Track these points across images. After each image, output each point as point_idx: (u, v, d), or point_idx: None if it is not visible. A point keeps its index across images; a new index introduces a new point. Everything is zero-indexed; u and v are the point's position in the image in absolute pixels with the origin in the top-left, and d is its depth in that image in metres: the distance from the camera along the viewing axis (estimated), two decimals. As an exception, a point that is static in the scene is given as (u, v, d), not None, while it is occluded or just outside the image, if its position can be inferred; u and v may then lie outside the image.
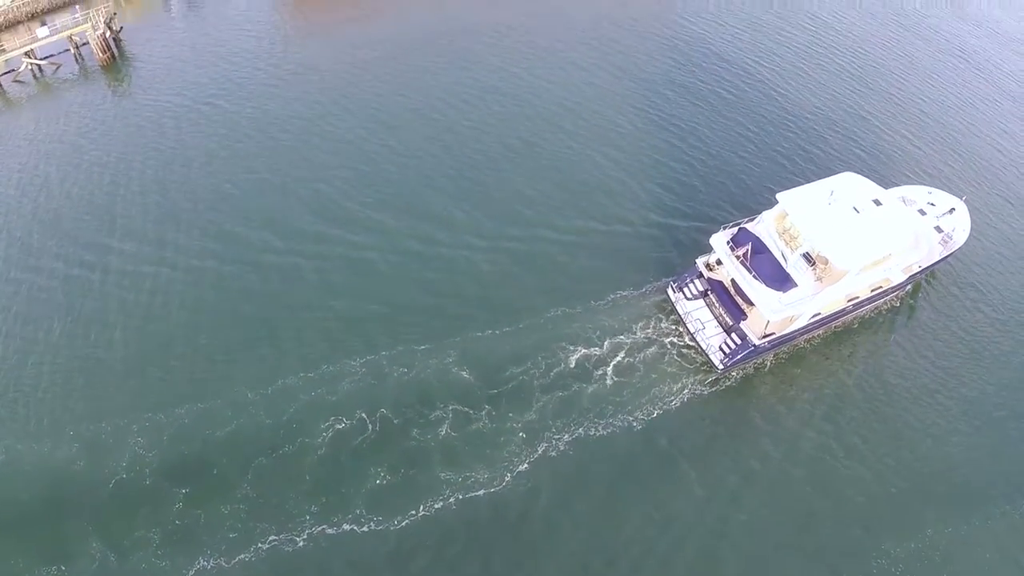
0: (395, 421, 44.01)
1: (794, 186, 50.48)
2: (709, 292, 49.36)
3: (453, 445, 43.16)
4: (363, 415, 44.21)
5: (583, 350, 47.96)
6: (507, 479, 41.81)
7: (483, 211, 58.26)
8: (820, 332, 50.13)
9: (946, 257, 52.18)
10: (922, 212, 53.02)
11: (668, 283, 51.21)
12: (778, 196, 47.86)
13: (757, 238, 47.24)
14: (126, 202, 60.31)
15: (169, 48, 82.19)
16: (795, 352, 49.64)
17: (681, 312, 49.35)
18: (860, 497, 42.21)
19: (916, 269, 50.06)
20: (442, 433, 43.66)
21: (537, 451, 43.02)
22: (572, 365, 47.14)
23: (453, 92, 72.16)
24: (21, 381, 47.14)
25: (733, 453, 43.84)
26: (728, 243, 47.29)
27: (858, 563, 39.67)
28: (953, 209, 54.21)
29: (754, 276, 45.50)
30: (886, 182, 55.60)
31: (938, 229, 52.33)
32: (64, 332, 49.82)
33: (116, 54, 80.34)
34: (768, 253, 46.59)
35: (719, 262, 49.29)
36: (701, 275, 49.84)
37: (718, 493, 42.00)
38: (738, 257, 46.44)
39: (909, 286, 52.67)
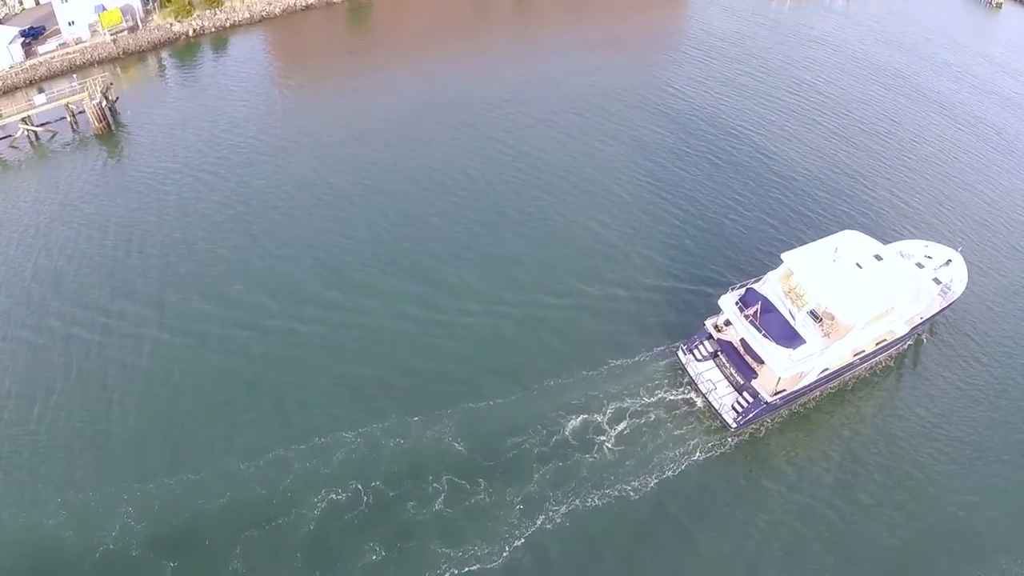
0: (390, 494, 44.05)
1: (791, 246, 52.97)
2: (719, 353, 50.68)
3: (449, 519, 43.14)
4: (357, 487, 44.34)
5: (583, 416, 48.80)
6: (505, 553, 41.75)
7: (480, 278, 59.69)
8: (829, 387, 51.49)
9: (945, 308, 54.07)
10: (920, 265, 54.99)
11: (678, 346, 52.56)
12: (783, 256, 49.69)
13: (765, 298, 48.84)
14: (126, 266, 61.31)
15: (165, 117, 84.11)
16: (803, 409, 50.77)
17: (692, 373, 50.58)
18: (873, 555, 42.84)
19: (918, 321, 51.82)
20: (437, 506, 43.68)
21: (535, 523, 43.15)
22: (572, 433, 47.87)
23: (447, 161, 74.27)
24: (15, 443, 47.14)
25: (747, 516, 44.37)
26: (737, 304, 48.83)
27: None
28: (949, 260, 56.33)
29: (764, 335, 46.95)
30: (882, 237, 57.63)
31: (936, 281, 54.28)
32: (61, 395, 50.17)
33: (112, 123, 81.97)
34: (776, 312, 48.15)
35: (727, 323, 50.81)
36: (711, 336, 51.23)
37: (735, 559, 42.43)
38: (747, 317, 47.92)
39: (912, 339, 54.34)
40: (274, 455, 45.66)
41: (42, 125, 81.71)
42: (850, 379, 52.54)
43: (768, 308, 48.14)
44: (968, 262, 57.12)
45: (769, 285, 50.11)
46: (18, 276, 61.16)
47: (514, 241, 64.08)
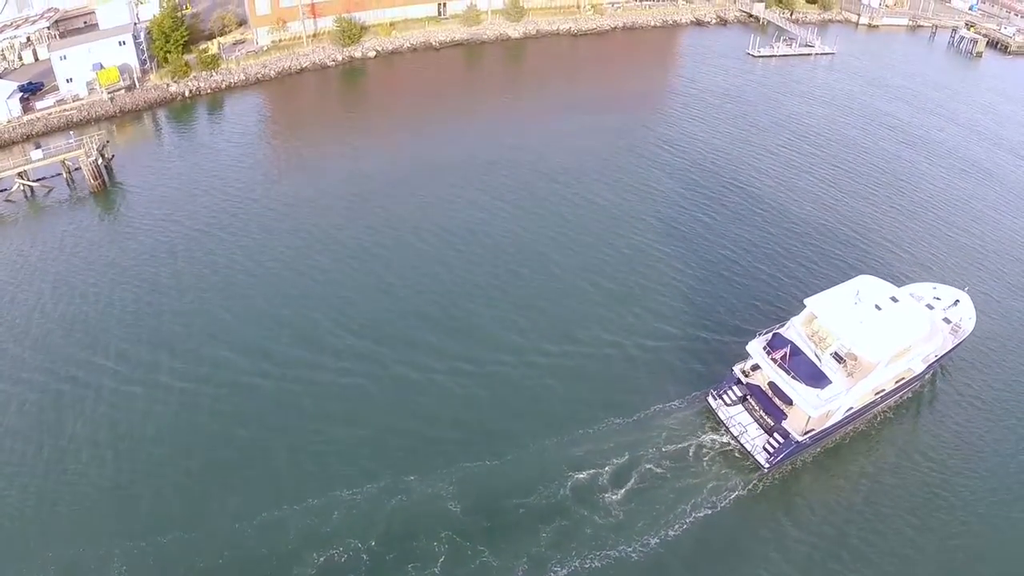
0: (388, 556, 44.28)
1: (804, 293, 56.80)
2: (748, 397, 53.56)
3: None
4: (356, 545, 44.69)
5: (616, 462, 50.43)
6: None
7: (476, 339, 61.38)
8: (853, 426, 54.52)
9: (957, 346, 57.71)
10: (930, 307, 58.77)
11: (707, 392, 55.31)
12: (806, 301, 53.19)
13: (790, 342, 52.10)
14: (120, 322, 62.64)
15: (160, 176, 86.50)
16: (831, 447, 53.54)
17: (723, 417, 53.25)
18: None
19: (933, 359, 55.22)
20: (438, 569, 43.87)
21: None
22: (608, 478, 49.37)
23: (441, 224, 76.67)
24: (4, 496, 47.66)
25: (784, 551, 46.29)
26: (764, 348, 52.00)
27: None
28: (957, 301, 60.22)
29: (793, 376, 50.00)
30: (891, 281, 61.39)
31: (946, 320, 58.00)
32: (52, 449, 50.82)
33: (107, 181, 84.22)
34: (803, 355, 51.31)
35: (754, 368, 53.86)
36: (739, 381, 54.10)
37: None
38: (775, 360, 51.06)
39: (927, 376, 57.85)
40: (270, 514, 46.37)
41: (38, 180, 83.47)
42: (873, 417, 55.45)
43: (795, 351, 51.28)
44: (975, 301, 61.08)
45: (793, 329, 53.35)
46: (10, 331, 62.15)
47: (525, 294, 66.52)
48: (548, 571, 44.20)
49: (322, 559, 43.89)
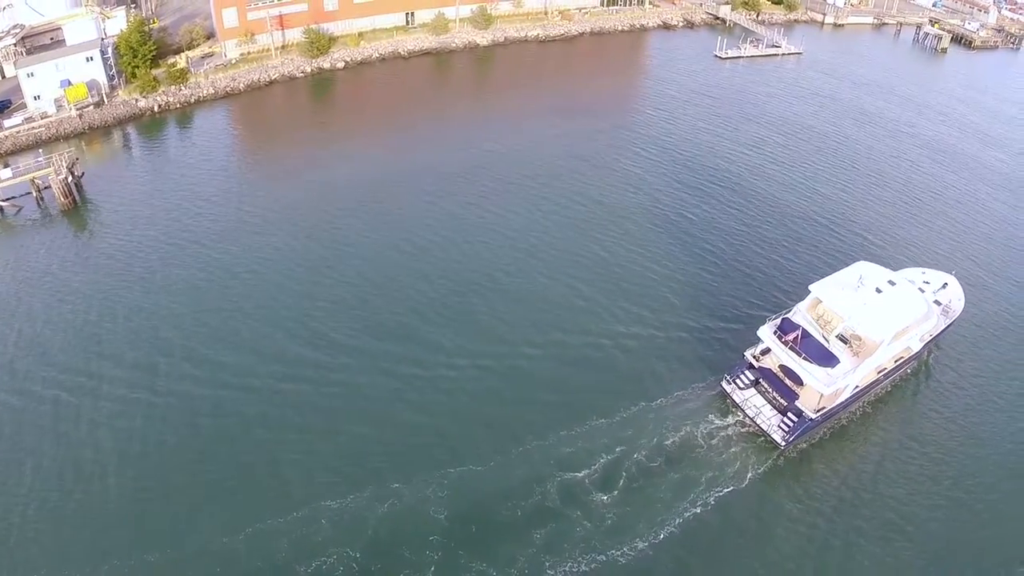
0: (381, 563, 46.54)
1: (800, 282, 64.08)
2: (760, 380, 58.76)
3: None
4: (346, 556, 46.75)
5: (641, 448, 54.86)
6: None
7: (467, 336, 65.32)
8: (858, 403, 60.03)
9: (949, 326, 63.81)
10: (921, 290, 64.80)
11: (722, 377, 60.37)
12: (811, 287, 58.67)
13: (799, 326, 57.46)
14: (97, 341, 64.22)
15: (131, 192, 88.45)
16: (838, 426, 58.65)
17: (739, 400, 58.20)
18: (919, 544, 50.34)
19: (928, 338, 61.17)
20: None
21: (634, 544, 48.64)
22: (635, 463, 53.58)
23: (426, 226, 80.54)
24: None
25: (807, 516, 51.42)
26: (775, 333, 57.28)
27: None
28: (946, 284, 66.39)
29: (804, 358, 55.28)
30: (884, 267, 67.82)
31: (937, 303, 64.09)
32: (33, 472, 52.41)
33: (78, 199, 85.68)
34: (812, 337, 56.65)
35: (764, 352, 59.09)
36: (751, 365, 59.23)
37: (805, 553, 49.27)
38: (786, 343, 56.33)
39: (923, 355, 63.80)
40: (256, 528, 48.22)
41: (7, 200, 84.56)
42: (875, 395, 61.07)
43: (804, 334, 56.64)
44: (960, 284, 67.50)
45: (800, 314, 58.71)
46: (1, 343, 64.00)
47: (497, 301, 70.12)
48: (595, 549, 48.31)
49: (313, 569, 46.06)
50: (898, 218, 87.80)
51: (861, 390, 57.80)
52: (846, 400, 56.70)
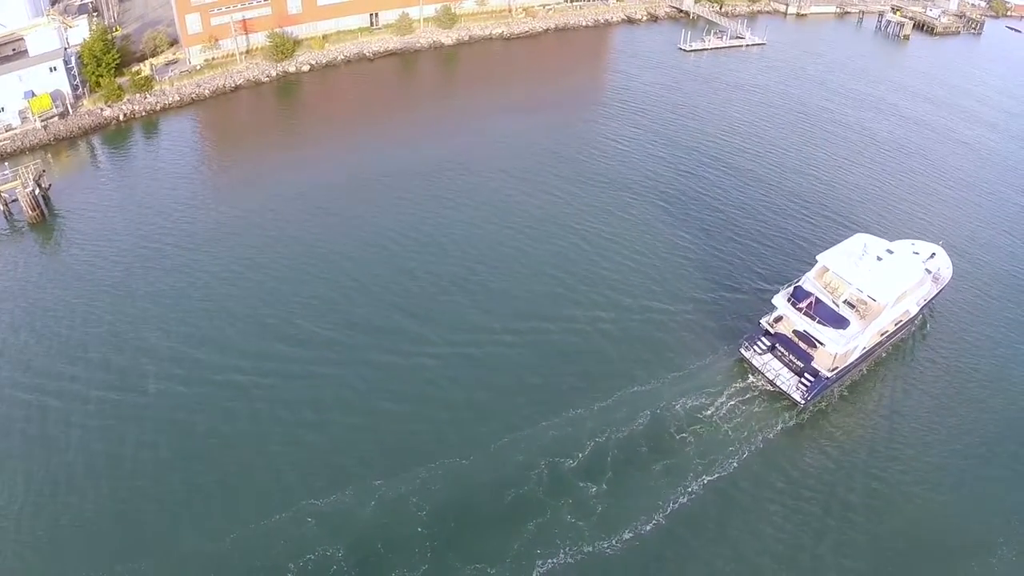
0: (376, 557, 51.33)
1: (794, 256, 77.03)
2: (776, 345, 68.46)
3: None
4: (335, 556, 51.22)
5: (669, 415, 63.53)
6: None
7: (454, 324, 72.84)
8: (864, 365, 70.12)
9: (940, 291, 74.64)
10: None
11: (740, 343, 69.89)
12: (818, 257, 68.56)
13: (811, 293, 67.40)
14: (68, 354, 68.01)
15: (100, 202, 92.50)
16: (849, 385, 68.55)
17: (758, 364, 67.80)
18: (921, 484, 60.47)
19: (923, 302, 71.78)
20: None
21: (687, 490, 57.46)
22: (643, 437, 61.47)
23: (402, 224, 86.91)
24: None
25: (827, 466, 60.90)
26: (789, 300, 67.10)
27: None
28: (934, 254, 77.15)
29: (819, 322, 65.15)
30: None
31: (927, 271, 74.87)
32: (9, 487, 55.92)
33: (46, 212, 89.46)
34: (823, 303, 66.66)
35: (778, 319, 68.87)
36: (767, 332, 68.87)
37: (831, 500, 58.57)
38: (800, 309, 66.17)
39: (919, 319, 74.43)
40: (241, 532, 52.45)
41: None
42: (878, 357, 71.23)
43: (817, 300, 66.58)
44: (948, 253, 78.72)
45: (809, 283, 68.63)
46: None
47: (486, 292, 77.45)
48: (651, 494, 56.79)
49: (300, 568, 50.61)
50: (885, 194, 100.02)
51: (867, 351, 67.77)
52: (855, 360, 66.58)
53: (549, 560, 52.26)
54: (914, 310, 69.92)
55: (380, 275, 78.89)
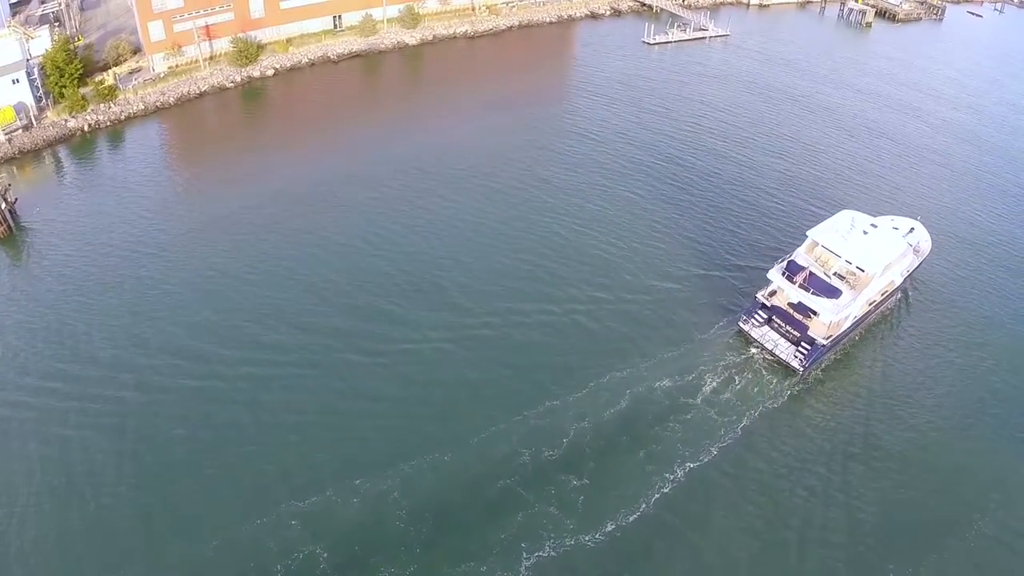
0: (367, 555, 54.76)
1: (785, 232, 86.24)
2: (772, 317, 76.10)
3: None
4: (320, 556, 54.60)
5: (677, 386, 70.21)
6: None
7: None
8: (854, 333, 77.89)
9: (921, 263, 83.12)
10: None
11: (738, 317, 77.41)
12: (808, 232, 76.34)
13: (804, 266, 75.21)
14: (40, 367, 71.11)
15: (67, 216, 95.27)
16: (841, 354, 75.96)
17: (757, 336, 75.27)
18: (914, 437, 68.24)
19: (906, 273, 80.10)
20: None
21: (698, 462, 63.87)
22: (654, 411, 67.94)
23: (379, 221, 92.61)
24: None
25: (828, 425, 68.29)
26: (784, 274, 74.80)
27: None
28: (913, 228, 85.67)
29: (814, 293, 72.91)
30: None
31: (909, 244, 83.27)
32: (15, 495, 59.00)
33: (12, 226, 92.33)
34: (816, 275, 74.50)
35: (772, 293, 76.53)
36: (763, 305, 76.43)
37: (834, 453, 65.92)
38: (795, 282, 73.89)
39: (902, 290, 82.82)
40: (224, 536, 55.74)
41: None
42: (867, 325, 79.10)
43: (810, 273, 74.40)
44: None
45: (801, 257, 76.41)
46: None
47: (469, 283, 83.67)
48: (670, 460, 63.37)
49: (284, 569, 53.90)
50: (862, 173, 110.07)
51: (858, 320, 75.71)
52: (848, 328, 74.34)
53: (535, 554, 56.38)
54: (899, 280, 78.01)
55: (354, 274, 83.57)
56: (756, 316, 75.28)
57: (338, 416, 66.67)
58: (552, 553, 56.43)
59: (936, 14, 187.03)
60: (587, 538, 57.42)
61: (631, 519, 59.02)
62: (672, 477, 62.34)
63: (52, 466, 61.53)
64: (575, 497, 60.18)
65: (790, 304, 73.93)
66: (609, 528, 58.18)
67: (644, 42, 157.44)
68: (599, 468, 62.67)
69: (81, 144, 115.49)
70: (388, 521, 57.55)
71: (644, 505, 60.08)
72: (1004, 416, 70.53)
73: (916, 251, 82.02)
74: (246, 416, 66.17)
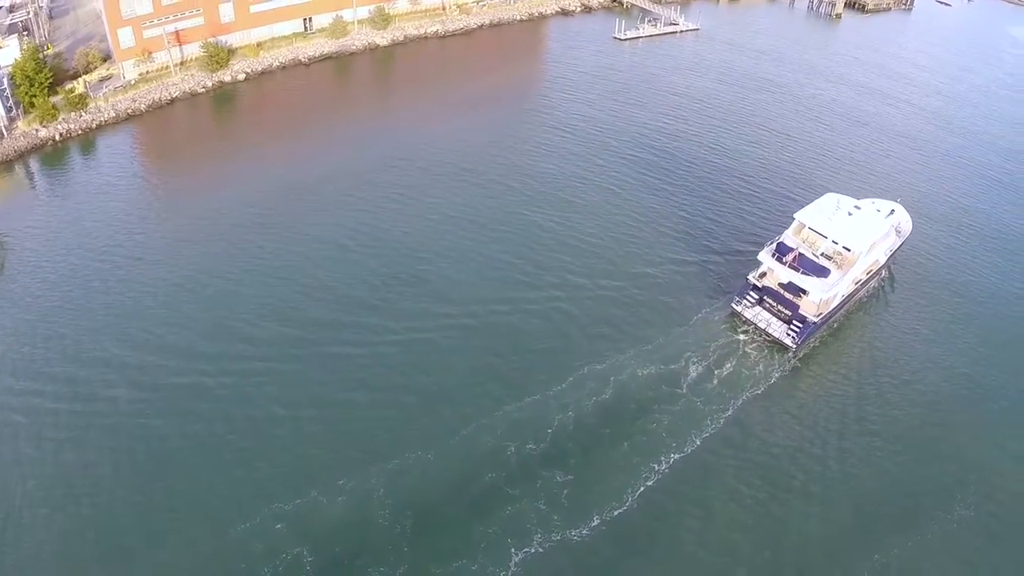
0: (355, 554, 57.09)
1: (772, 216, 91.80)
2: (764, 298, 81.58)
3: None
4: (306, 559, 56.78)
5: (673, 368, 75.02)
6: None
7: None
8: (842, 311, 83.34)
9: (903, 243, 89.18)
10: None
11: (731, 298, 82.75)
12: (795, 215, 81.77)
13: (793, 247, 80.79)
14: (17, 379, 72.83)
15: (41, 227, 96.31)
16: (830, 331, 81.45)
17: (750, 316, 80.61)
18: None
19: (890, 252, 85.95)
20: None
21: (696, 442, 68.42)
22: (676, 379, 73.46)
23: (358, 221, 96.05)
24: None
25: (820, 397, 73.84)
26: (774, 256, 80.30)
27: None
28: (893, 210, 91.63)
29: (804, 273, 78.39)
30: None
31: (891, 224, 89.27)
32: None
33: None
34: (805, 256, 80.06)
35: (763, 274, 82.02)
36: (754, 287, 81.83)
37: (831, 421, 71.33)
38: (785, 263, 79.43)
39: (886, 268, 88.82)
40: (209, 544, 57.74)
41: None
42: (854, 304, 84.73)
43: (800, 254, 79.98)
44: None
45: (789, 239, 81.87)
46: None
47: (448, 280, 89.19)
48: (672, 435, 67.99)
49: (269, 572, 56.07)
50: (840, 158, 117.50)
51: (845, 298, 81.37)
52: (836, 306, 79.88)
53: (523, 550, 58.98)
54: (883, 259, 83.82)
55: (337, 270, 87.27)
56: (748, 297, 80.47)
57: (325, 410, 69.68)
58: (539, 549, 58.96)
59: (905, 4, 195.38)
60: (574, 533, 60.55)
61: (644, 490, 63.90)
62: (669, 458, 66.96)
63: (36, 471, 63.65)
64: (565, 487, 64.08)
65: (780, 284, 79.19)
66: (609, 515, 62.28)
67: (615, 38, 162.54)
68: (592, 455, 67.03)
69: (53, 153, 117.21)
70: (375, 520, 59.87)
71: (650, 478, 65.03)
72: (981, 382, 77.54)
73: (898, 231, 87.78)
74: (234, 412, 69.00)
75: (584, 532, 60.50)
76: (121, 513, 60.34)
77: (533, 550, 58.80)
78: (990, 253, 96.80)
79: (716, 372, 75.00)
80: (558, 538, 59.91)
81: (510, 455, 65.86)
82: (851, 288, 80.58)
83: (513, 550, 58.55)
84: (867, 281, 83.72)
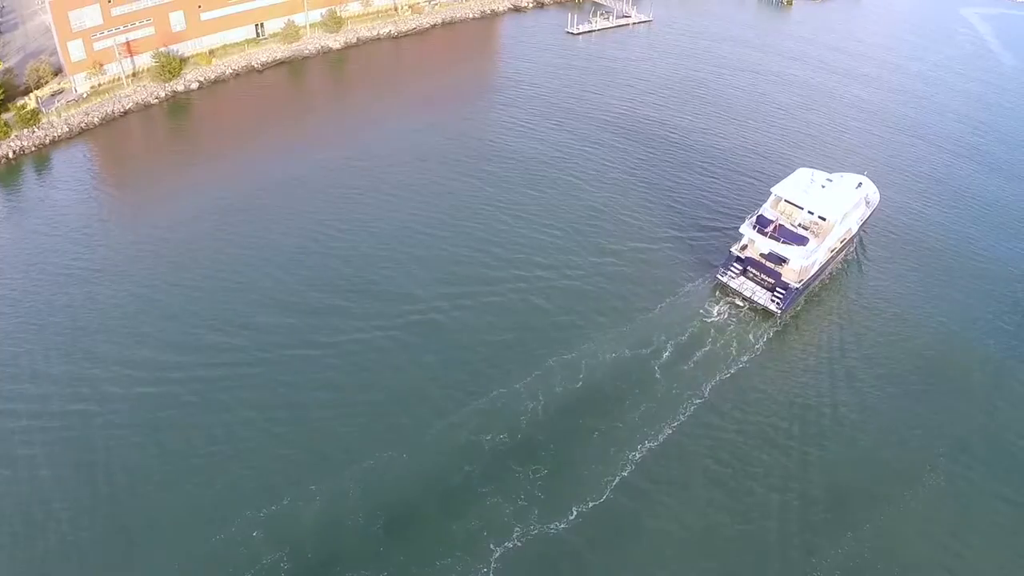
0: (341, 555, 60.10)
1: (754, 189, 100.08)
2: (747, 268, 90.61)
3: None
4: (284, 564, 59.38)
5: (673, 342, 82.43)
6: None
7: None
8: (820, 278, 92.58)
9: (872, 213, 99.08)
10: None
11: (716, 270, 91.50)
12: (772, 189, 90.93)
13: (772, 219, 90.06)
14: None
15: (2, 240, 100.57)
16: (809, 298, 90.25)
17: (735, 286, 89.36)
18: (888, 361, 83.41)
19: (861, 221, 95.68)
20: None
21: (679, 421, 75.51)
22: (653, 361, 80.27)
23: (324, 223, 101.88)
24: None
25: (808, 357, 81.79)
26: (754, 227, 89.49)
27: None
28: (860, 183, 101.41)
29: (784, 242, 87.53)
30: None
31: (860, 195, 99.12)
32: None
33: None
34: (784, 226, 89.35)
35: (744, 246, 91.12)
36: (738, 258, 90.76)
37: (821, 377, 79.24)
38: (766, 233, 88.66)
39: (857, 238, 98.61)
40: (192, 552, 60.34)
41: None
42: (830, 272, 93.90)
43: (779, 224, 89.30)
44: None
45: (768, 212, 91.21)
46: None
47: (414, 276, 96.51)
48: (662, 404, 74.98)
49: None
50: (809, 134, 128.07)
51: (822, 266, 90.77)
52: (815, 274, 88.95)
53: (502, 544, 61.93)
54: (855, 228, 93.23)
55: (301, 273, 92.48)
56: (732, 268, 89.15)
57: (296, 412, 73.45)
58: (518, 543, 61.87)
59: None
60: (551, 526, 63.86)
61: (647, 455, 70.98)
62: (659, 432, 73.37)
63: (20, 487, 66.55)
64: (540, 478, 68.47)
65: (762, 255, 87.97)
66: (585, 506, 67.29)
67: (568, 32, 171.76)
68: (587, 427, 73.98)
69: (7, 171, 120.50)
70: (351, 523, 62.86)
71: (650, 444, 72.17)
72: (954, 330, 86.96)
73: (867, 202, 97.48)
74: (205, 420, 72.43)
75: (562, 525, 63.95)
76: (99, 530, 62.84)
77: (512, 544, 61.63)
78: (951, 217, 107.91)
79: (709, 340, 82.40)
80: (536, 532, 63.00)
81: (485, 449, 69.65)
82: (827, 256, 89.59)
83: (492, 545, 61.39)
84: (841, 249, 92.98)
